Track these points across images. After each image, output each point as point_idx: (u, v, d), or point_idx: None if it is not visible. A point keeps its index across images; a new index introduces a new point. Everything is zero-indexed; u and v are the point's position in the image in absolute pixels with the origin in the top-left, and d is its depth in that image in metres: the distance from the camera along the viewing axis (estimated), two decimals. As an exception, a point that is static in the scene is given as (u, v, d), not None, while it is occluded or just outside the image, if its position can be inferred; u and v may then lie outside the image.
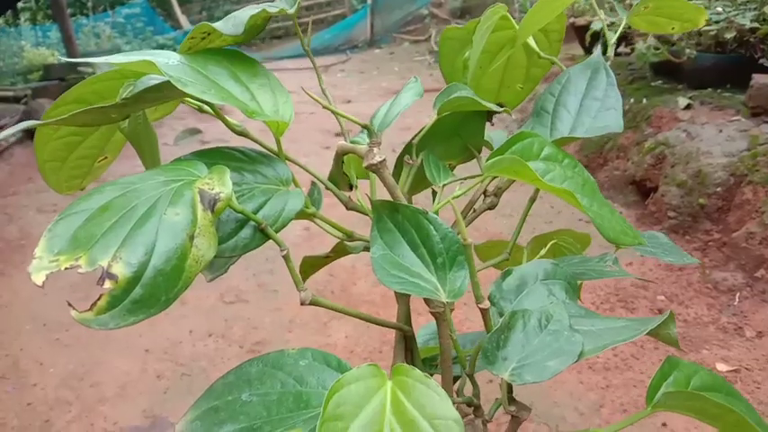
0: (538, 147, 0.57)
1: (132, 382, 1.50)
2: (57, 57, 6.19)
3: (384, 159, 0.50)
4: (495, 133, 0.69)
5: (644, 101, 2.78)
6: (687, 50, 2.68)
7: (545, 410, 1.39)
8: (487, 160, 0.57)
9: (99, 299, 0.36)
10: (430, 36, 7.90)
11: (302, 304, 0.50)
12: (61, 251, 0.37)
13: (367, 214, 0.62)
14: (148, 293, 0.36)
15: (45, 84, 4.56)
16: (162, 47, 7.64)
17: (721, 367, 1.51)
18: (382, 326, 0.56)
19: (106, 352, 1.63)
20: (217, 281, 1.80)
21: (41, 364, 1.58)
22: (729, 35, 2.53)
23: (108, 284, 0.36)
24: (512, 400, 0.43)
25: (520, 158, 0.50)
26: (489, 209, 0.64)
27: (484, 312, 0.41)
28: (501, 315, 0.47)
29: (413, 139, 0.61)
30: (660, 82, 2.93)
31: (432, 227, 0.50)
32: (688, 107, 2.58)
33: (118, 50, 5.37)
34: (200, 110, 0.63)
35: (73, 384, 1.50)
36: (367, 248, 0.66)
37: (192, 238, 0.38)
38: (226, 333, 1.70)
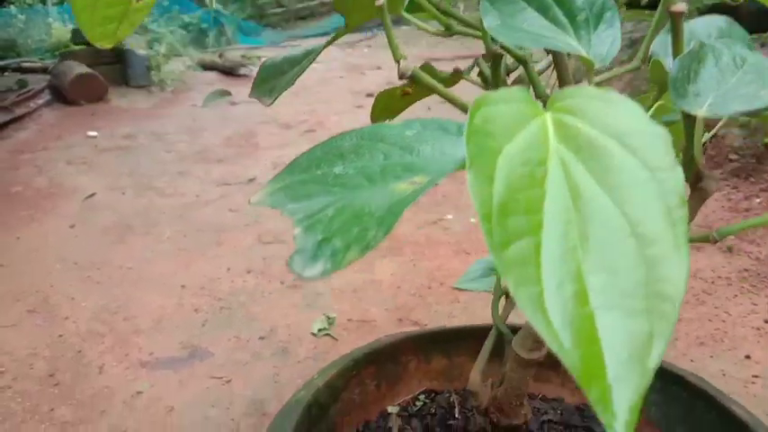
0: None
1: (168, 316, 1.42)
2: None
3: None
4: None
5: (697, 46, 2.62)
6: (745, -10, 2.51)
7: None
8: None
9: None
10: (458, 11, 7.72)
11: (401, 78, 0.39)
12: None
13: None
14: None
15: (72, 49, 4.49)
16: (187, 25, 7.56)
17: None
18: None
19: (139, 289, 1.55)
20: (253, 224, 1.72)
21: (73, 299, 1.50)
22: (794, -30, 2.36)
23: None
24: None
25: None
26: None
27: (677, 16, 0.30)
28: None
29: None
30: (713, 28, 2.77)
31: (569, -23, 0.39)
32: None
33: (143, 28, 5.31)
34: None
35: (105, 318, 1.42)
36: (455, 75, 0.55)
37: None
38: (265, 270, 1.61)
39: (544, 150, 0.27)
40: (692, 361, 1.21)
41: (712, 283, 1.48)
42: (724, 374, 1.17)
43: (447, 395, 0.73)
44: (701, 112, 0.30)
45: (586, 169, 0.26)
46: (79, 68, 3.60)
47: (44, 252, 1.77)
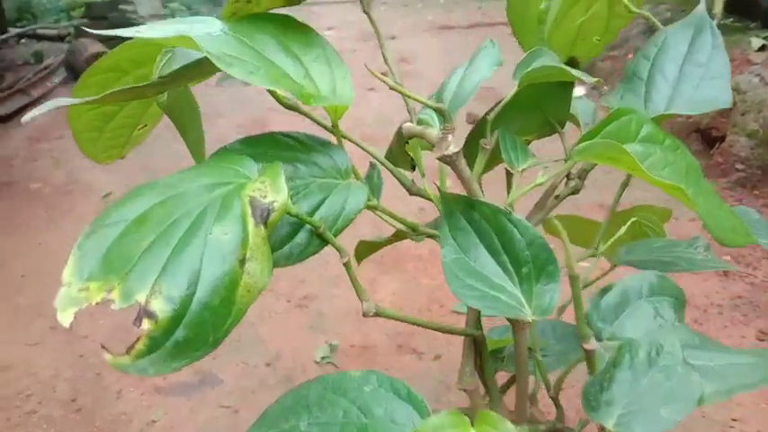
0: (636, 126, 0.48)
1: (180, 337, 1.50)
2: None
3: (460, 150, 0.43)
4: (580, 103, 0.61)
5: (713, 40, 2.57)
6: (765, -16, 2.45)
7: None
8: (578, 143, 0.49)
9: (137, 341, 0.31)
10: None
11: (365, 316, 0.44)
12: (92, 276, 0.32)
13: (433, 201, 0.55)
14: (193, 334, 0.30)
15: (87, 22, 4.50)
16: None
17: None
18: (450, 333, 0.50)
19: (154, 304, 1.63)
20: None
21: (91, 316, 1.58)
22: (816, -33, 2.29)
23: (147, 325, 0.30)
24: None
25: (616, 143, 0.42)
26: (573, 193, 0.57)
27: (590, 354, 0.35)
28: (598, 339, 0.40)
29: (487, 113, 0.53)
30: (731, 20, 2.71)
31: (516, 230, 0.43)
32: (762, 48, 2.38)
33: (161, 3, 5.24)
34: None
35: (122, 337, 1.50)
36: (431, 236, 0.60)
37: (242, 262, 0.32)
38: (273, 287, 1.67)
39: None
40: (675, 401, 1.27)
41: (705, 311, 1.53)
42: (704, 416, 1.23)
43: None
44: (610, 425, 0.34)
45: None
46: (93, 47, 3.62)
47: (63, 258, 1.85)
